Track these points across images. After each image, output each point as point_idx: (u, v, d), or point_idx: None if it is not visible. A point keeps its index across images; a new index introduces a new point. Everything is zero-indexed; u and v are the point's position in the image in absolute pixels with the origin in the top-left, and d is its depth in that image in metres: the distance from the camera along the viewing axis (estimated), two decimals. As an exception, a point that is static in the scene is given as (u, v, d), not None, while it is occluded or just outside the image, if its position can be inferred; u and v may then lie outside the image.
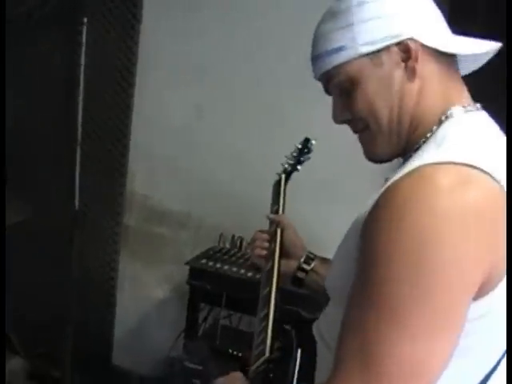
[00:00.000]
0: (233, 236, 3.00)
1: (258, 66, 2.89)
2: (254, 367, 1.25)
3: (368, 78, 1.11)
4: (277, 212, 1.72)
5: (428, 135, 1.08)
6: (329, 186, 2.82)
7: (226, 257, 2.86)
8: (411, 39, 1.08)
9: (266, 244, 1.62)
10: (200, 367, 2.72)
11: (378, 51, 1.09)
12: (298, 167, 1.89)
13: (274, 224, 1.64)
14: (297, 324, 1.32)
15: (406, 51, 1.08)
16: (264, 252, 1.61)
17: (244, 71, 2.92)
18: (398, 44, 1.09)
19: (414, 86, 1.10)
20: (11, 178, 3.07)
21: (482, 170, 0.92)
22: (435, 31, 1.12)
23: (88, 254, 3.39)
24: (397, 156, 1.18)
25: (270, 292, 1.43)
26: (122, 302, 3.52)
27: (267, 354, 1.24)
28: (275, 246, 1.57)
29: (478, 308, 0.95)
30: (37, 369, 3.54)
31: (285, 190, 1.82)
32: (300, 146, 1.91)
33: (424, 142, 1.08)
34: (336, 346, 0.99)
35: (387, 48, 1.09)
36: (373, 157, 1.19)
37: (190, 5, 2.98)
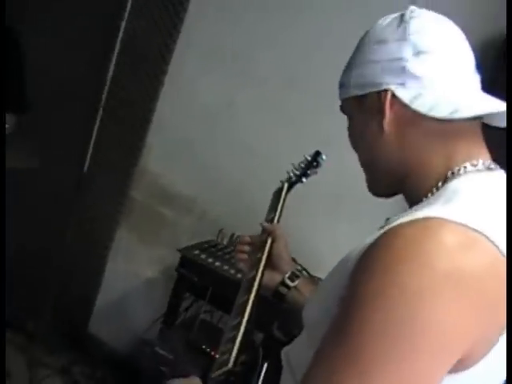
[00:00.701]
0: (232, 234, 2.96)
1: (294, 68, 2.84)
2: (214, 375, 1.20)
3: (353, 120, 1.15)
4: (272, 221, 1.66)
5: (434, 190, 1.03)
6: (336, 204, 2.77)
7: (220, 253, 2.82)
8: (387, 91, 1.04)
9: (247, 248, 1.59)
10: (170, 356, 2.69)
11: (364, 96, 1.09)
12: (303, 179, 1.82)
13: (266, 233, 1.59)
14: (267, 342, 1.27)
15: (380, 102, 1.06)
16: (245, 256, 1.58)
17: (280, 71, 2.88)
18: (379, 93, 1.06)
19: (388, 138, 1.07)
20: (30, 124, 3.06)
21: (486, 237, 0.87)
22: (429, 89, 1.03)
23: (88, 218, 3.37)
24: (393, 195, 1.17)
25: (247, 301, 1.36)
26: (111, 272, 3.49)
27: (230, 365, 1.19)
28: (262, 255, 1.51)
29: (452, 381, 0.90)
30: (13, 318, 3.52)
31: (284, 199, 1.76)
32: (309, 158, 1.85)
33: (430, 195, 1.03)
34: (301, 380, 0.94)
35: (371, 95, 1.07)
36: (369, 189, 1.20)
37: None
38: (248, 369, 1.21)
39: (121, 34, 2.97)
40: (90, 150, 3.13)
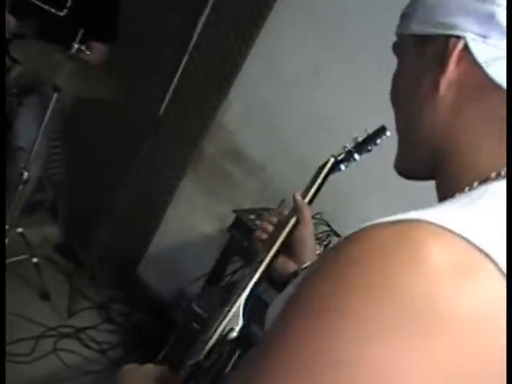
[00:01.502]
0: (294, 207, 2.86)
1: (385, 49, 2.70)
2: (188, 363, 1.06)
3: (405, 63, 0.86)
4: (303, 198, 1.38)
5: (466, 189, 0.74)
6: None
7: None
8: (459, 39, 0.75)
9: (271, 228, 1.34)
10: (205, 315, 2.64)
11: (427, 38, 0.79)
12: (356, 157, 1.49)
13: (294, 211, 1.32)
14: (239, 339, 1.10)
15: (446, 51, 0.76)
16: (264, 235, 1.33)
17: (371, 49, 2.74)
18: (448, 39, 0.76)
19: (440, 102, 0.78)
20: (115, 57, 3.06)
21: (492, 261, 0.59)
22: None
23: (156, 161, 3.34)
24: (423, 178, 0.88)
25: (244, 288, 1.12)
26: (169, 220, 3.47)
27: (201, 357, 1.03)
28: (278, 236, 1.25)
29: None
30: (66, 244, 3.57)
31: (325, 177, 1.44)
32: (370, 132, 1.51)
33: (458, 194, 0.74)
34: None
35: (437, 38, 0.78)
36: (395, 164, 0.90)
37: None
38: (212, 367, 1.06)
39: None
40: (169, 94, 3.08)
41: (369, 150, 1.50)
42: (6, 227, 2.72)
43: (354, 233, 0.64)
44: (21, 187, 2.69)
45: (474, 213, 0.65)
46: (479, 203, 0.67)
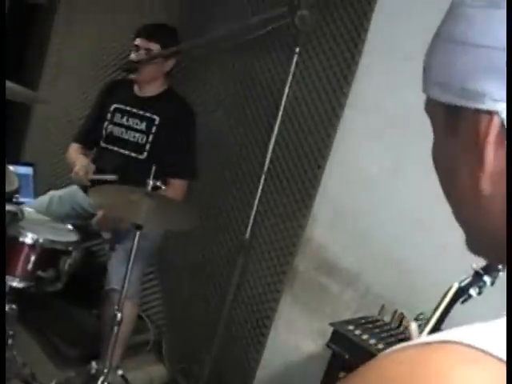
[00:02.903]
0: (395, 311, 2.73)
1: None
2: None
3: (437, 139, 0.67)
4: (424, 326, 1.28)
5: None
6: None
7: (377, 330, 2.60)
8: (492, 114, 0.54)
9: None
10: None
11: (456, 108, 0.58)
12: (486, 279, 1.28)
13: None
14: None
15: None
16: None
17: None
18: (478, 114, 0.55)
19: (488, 205, 0.58)
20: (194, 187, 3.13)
21: None
22: None
23: (249, 286, 3.31)
24: (493, 260, 0.74)
25: None
26: (272, 343, 3.37)
27: None
28: None
29: None
30: (172, 382, 3.52)
31: (450, 305, 1.30)
32: (481, 272, 1.29)
33: None
34: None
35: (466, 111, 0.57)
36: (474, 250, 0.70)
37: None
38: None
39: (283, 102, 2.92)
40: (252, 217, 3.08)
41: (499, 270, 1.31)
42: (105, 370, 2.70)
43: (374, 359, 0.51)
44: (116, 328, 2.69)
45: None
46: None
